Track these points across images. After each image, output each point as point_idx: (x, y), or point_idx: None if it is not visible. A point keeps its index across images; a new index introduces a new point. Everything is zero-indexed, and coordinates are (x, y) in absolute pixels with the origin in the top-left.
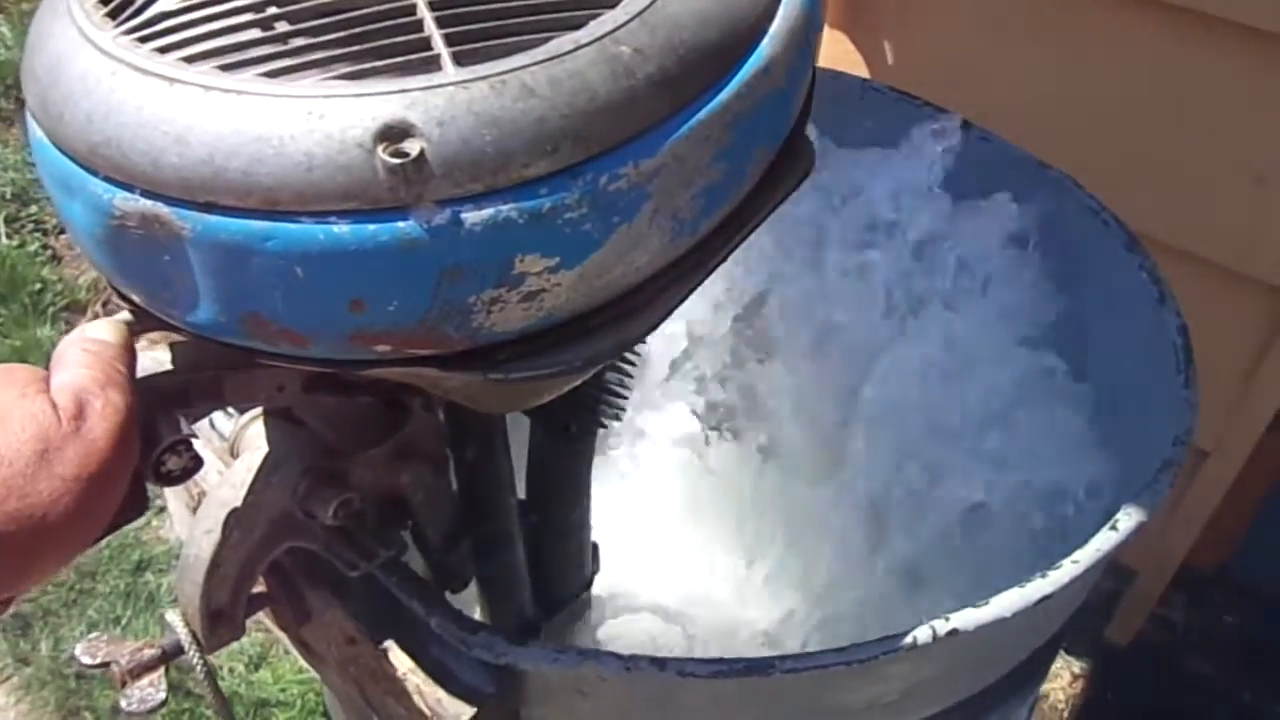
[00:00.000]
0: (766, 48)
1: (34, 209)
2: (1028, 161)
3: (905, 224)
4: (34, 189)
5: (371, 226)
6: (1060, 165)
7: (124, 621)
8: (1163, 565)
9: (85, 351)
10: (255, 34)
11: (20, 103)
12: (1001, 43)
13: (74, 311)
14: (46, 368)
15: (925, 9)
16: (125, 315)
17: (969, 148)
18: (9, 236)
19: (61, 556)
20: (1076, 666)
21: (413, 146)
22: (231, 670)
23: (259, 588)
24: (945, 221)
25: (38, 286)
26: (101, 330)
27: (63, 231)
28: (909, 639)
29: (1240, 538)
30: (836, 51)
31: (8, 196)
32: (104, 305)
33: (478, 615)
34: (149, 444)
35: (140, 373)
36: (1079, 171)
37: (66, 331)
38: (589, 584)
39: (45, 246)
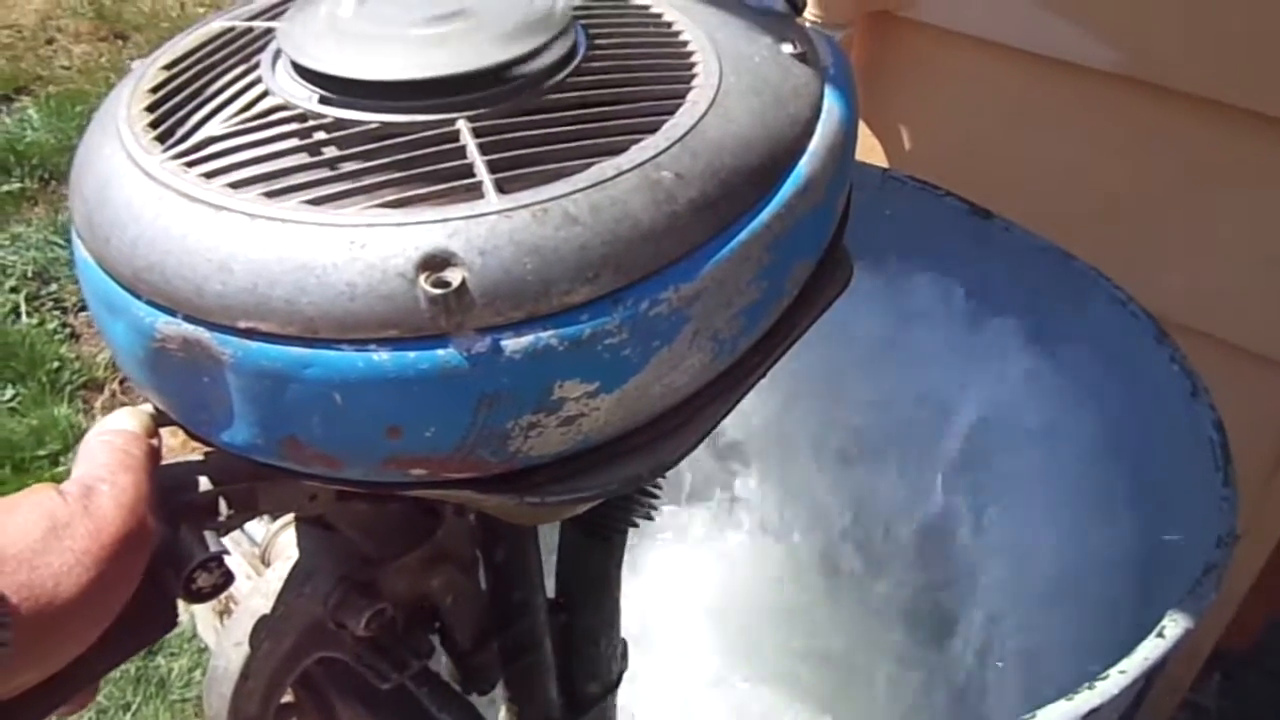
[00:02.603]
0: (806, 166)
1: (54, 287)
2: (1052, 251)
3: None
4: (55, 267)
5: (412, 354)
6: (1079, 250)
7: (134, 708)
8: (1194, 651)
9: (101, 443)
10: (301, 159)
11: (44, 182)
12: (1019, 130)
13: (91, 389)
14: (62, 444)
15: (944, 96)
16: (148, 406)
17: (992, 237)
18: (29, 314)
19: (76, 635)
20: None
21: (454, 276)
22: None
23: (287, 697)
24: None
25: (56, 365)
26: (120, 420)
27: (82, 309)
28: None
29: (1271, 618)
30: None
31: (29, 275)
32: (121, 383)
33: (503, 716)
34: (181, 561)
35: (174, 480)
36: (1097, 257)
37: (84, 409)
38: (617, 684)
39: (64, 325)
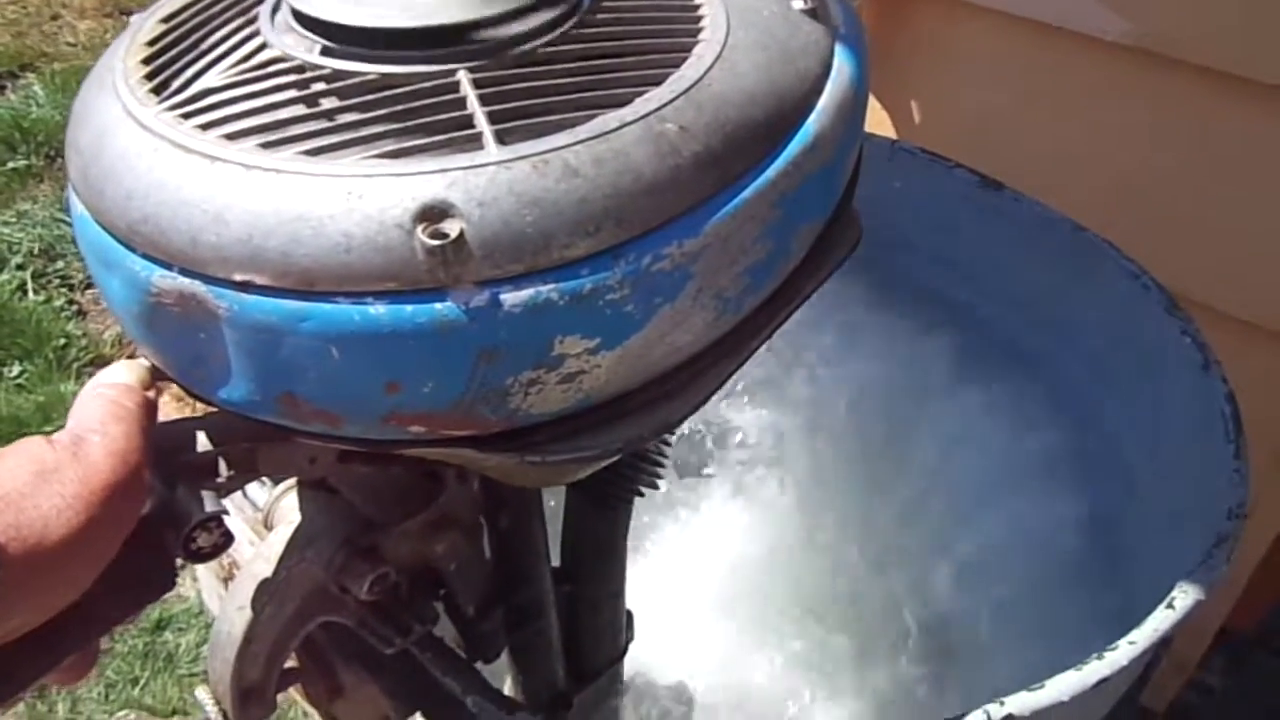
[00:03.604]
0: (814, 123)
1: (60, 264)
2: (1063, 223)
3: None
4: (61, 244)
5: (409, 308)
6: (1091, 226)
7: (142, 682)
8: (1200, 629)
9: (95, 395)
10: (298, 110)
11: (49, 159)
12: (1032, 102)
13: (98, 366)
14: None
15: (955, 69)
16: (145, 360)
17: (1002, 209)
18: (35, 292)
19: (67, 579)
20: None
21: (452, 227)
22: None
23: (290, 662)
24: None
25: (62, 341)
26: (115, 373)
27: (89, 286)
28: None
29: (1278, 599)
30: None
31: (35, 252)
32: (129, 360)
33: (508, 685)
34: (179, 520)
35: (172, 439)
36: (1110, 233)
37: None
38: (623, 654)
39: (71, 302)
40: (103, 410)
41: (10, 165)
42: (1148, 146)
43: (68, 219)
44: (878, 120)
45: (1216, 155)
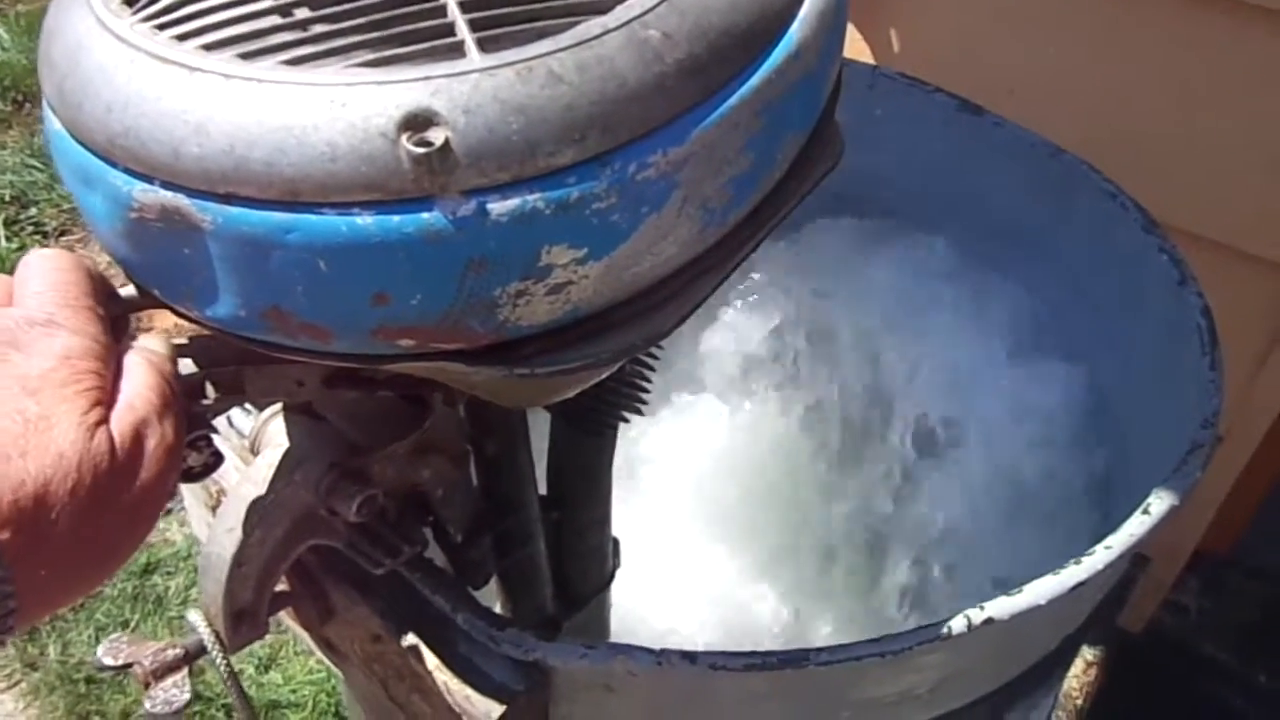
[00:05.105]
0: (797, 31)
1: (33, 211)
2: (1043, 146)
3: None
4: (34, 191)
5: (395, 218)
6: (1072, 150)
7: (132, 624)
8: (1175, 551)
9: (148, 364)
10: (276, 21)
11: (17, 104)
12: (1013, 27)
13: None
14: None
15: None
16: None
17: (982, 132)
18: (8, 239)
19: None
20: (1090, 654)
21: (437, 135)
22: (241, 672)
23: (281, 586)
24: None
25: None
26: (157, 344)
27: (63, 233)
28: (944, 628)
29: (1251, 521)
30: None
31: (7, 199)
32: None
33: (498, 611)
34: None
35: None
36: (1091, 156)
37: None
38: (610, 580)
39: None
40: (160, 397)
41: None
42: (1132, 72)
43: (39, 165)
44: (856, 51)
45: (1202, 81)
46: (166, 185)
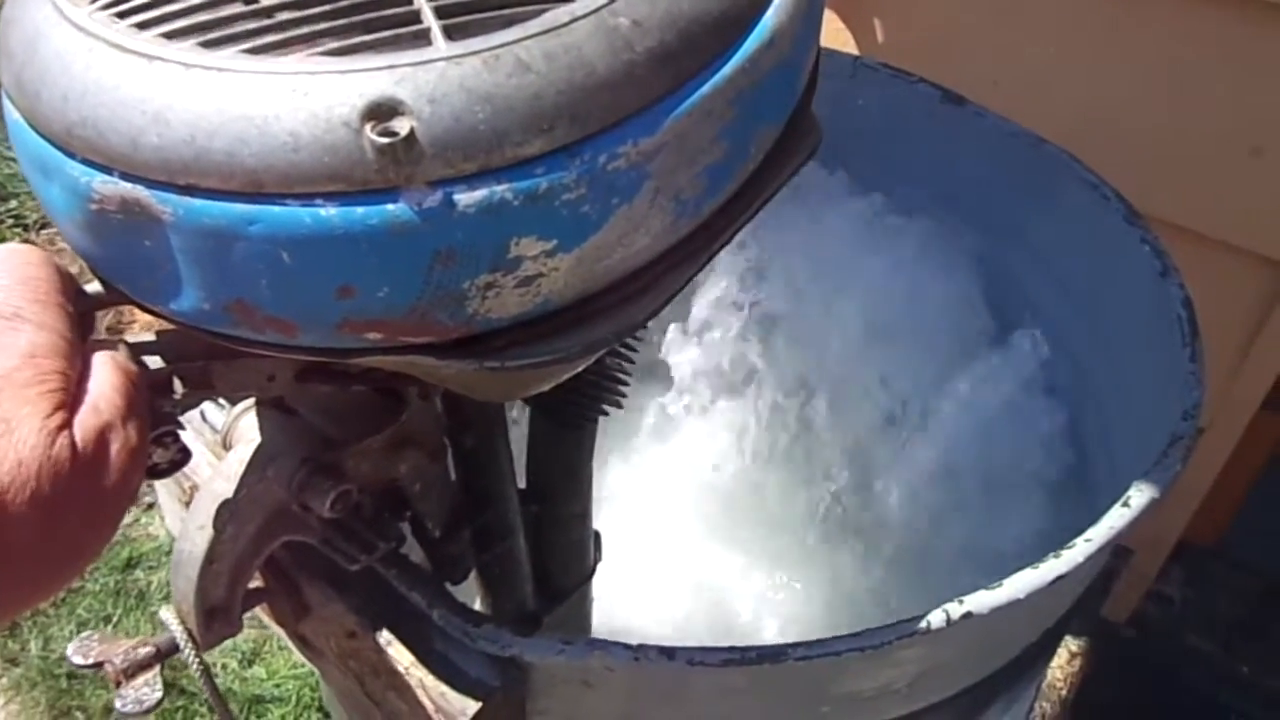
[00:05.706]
0: (771, 19)
1: (13, 204)
2: (1025, 137)
3: None
4: (13, 183)
5: (360, 209)
6: (1055, 140)
7: (114, 619)
8: (1159, 542)
9: (113, 363)
10: (237, 9)
11: None
12: (997, 18)
13: None
14: None
15: None
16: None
17: (964, 123)
18: None
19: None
20: (1074, 645)
21: (402, 125)
22: (225, 667)
23: (255, 583)
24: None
25: None
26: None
27: (44, 226)
28: (923, 623)
29: (1236, 513)
30: (826, 30)
31: None
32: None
33: (478, 606)
34: None
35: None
36: (1074, 147)
37: None
38: (591, 574)
39: (25, 242)
40: (125, 400)
41: None
42: (1116, 62)
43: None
44: (841, 40)
45: (1186, 72)
46: (126, 176)
